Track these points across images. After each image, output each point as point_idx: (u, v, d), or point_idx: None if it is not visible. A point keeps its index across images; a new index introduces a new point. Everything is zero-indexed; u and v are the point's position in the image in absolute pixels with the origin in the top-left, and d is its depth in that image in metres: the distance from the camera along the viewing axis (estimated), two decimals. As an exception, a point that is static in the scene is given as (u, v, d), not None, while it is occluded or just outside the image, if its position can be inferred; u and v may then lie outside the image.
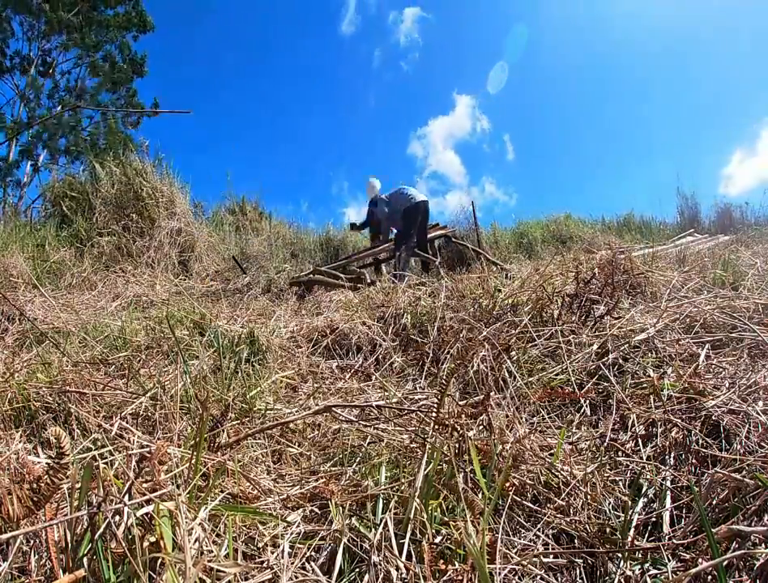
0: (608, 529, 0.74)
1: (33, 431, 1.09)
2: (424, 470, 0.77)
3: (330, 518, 0.75)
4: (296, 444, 1.09)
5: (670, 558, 0.66)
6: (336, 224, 7.57)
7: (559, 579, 0.67)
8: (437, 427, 0.93)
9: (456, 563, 0.67)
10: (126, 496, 0.62)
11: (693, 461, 0.86)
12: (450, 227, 5.97)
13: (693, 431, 0.90)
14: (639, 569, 0.66)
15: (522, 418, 1.05)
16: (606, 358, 1.27)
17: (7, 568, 0.61)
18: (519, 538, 0.74)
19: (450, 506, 0.77)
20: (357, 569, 0.67)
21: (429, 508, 0.74)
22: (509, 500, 0.79)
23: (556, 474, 0.84)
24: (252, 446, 1.04)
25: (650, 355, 1.26)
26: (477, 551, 0.60)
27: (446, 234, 5.60)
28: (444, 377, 1.04)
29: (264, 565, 0.66)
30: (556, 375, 1.26)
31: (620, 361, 1.26)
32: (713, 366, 1.15)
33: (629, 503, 0.77)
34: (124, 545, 0.57)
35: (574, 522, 0.75)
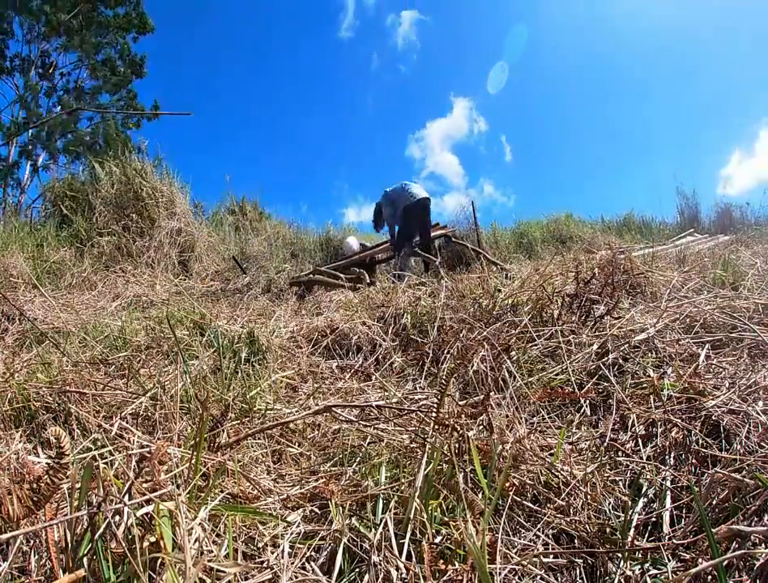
0: (608, 529, 0.74)
1: (33, 431, 1.09)
2: (424, 470, 0.77)
3: (330, 518, 0.75)
4: (296, 444, 1.09)
5: (670, 558, 0.66)
6: (336, 224, 7.58)
7: (559, 579, 0.67)
8: (437, 427, 0.93)
9: (456, 563, 0.67)
10: (126, 496, 0.62)
11: (693, 461, 0.86)
12: (450, 227, 5.98)
13: (693, 431, 0.90)
14: (639, 569, 0.66)
15: (522, 418, 1.05)
16: (606, 358, 1.27)
17: (7, 568, 0.61)
18: (519, 538, 0.74)
19: (450, 506, 0.77)
20: (357, 569, 0.67)
21: (429, 508, 0.74)
22: (510, 500, 0.79)
23: (556, 474, 0.84)
24: (252, 446, 1.04)
25: (650, 355, 1.26)
26: (477, 550, 0.60)
27: (446, 234, 5.60)
28: (444, 377, 1.04)
29: (264, 565, 0.66)
30: (556, 375, 1.26)
31: (620, 361, 1.26)
32: (713, 366, 1.15)
33: (629, 503, 0.77)
34: (124, 545, 0.57)
35: (574, 522, 0.75)
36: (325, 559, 0.69)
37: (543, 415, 1.10)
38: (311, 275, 3.85)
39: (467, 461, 0.85)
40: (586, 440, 0.98)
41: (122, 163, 5.10)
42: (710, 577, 0.63)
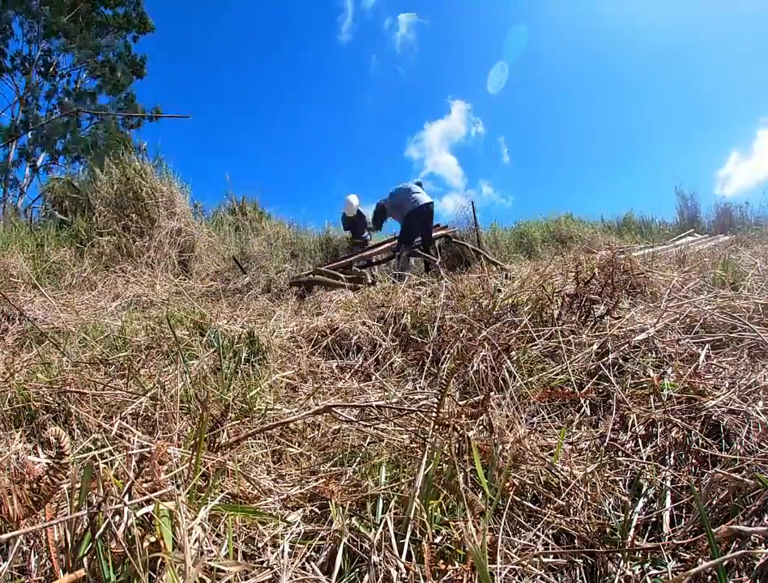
0: (608, 529, 0.74)
1: (33, 431, 1.08)
2: (424, 470, 0.77)
3: (330, 518, 0.75)
4: (296, 444, 1.09)
5: (670, 558, 0.66)
6: (336, 224, 7.58)
7: (559, 579, 0.67)
8: (437, 427, 0.93)
9: (456, 563, 0.67)
10: (126, 496, 0.62)
11: (693, 461, 0.86)
12: (451, 228, 5.98)
13: (693, 431, 0.90)
14: (639, 569, 0.66)
15: (522, 418, 1.05)
16: (606, 358, 1.27)
17: (7, 568, 0.61)
18: (519, 538, 0.74)
19: (450, 506, 0.77)
20: (357, 569, 0.67)
21: (429, 508, 0.74)
22: (510, 500, 0.79)
23: (556, 474, 0.84)
24: (252, 446, 1.04)
25: (650, 355, 1.26)
26: (477, 550, 0.60)
27: (447, 234, 5.60)
28: (444, 377, 1.04)
29: (264, 565, 0.66)
30: (556, 375, 1.26)
31: (620, 361, 1.26)
32: (713, 366, 1.15)
33: (629, 503, 0.77)
34: (124, 545, 0.57)
35: (574, 522, 0.75)
36: (325, 559, 0.69)
37: (543, 415, 1.10)
38: (311, 275, 3.85)
39: (467, 461, 0.85)
40: (586, 440, 0.98)
41: (122, 164, 5.10)
42: (710, 577, 0.63)
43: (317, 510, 0.80)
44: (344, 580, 0.65)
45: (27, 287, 3.19)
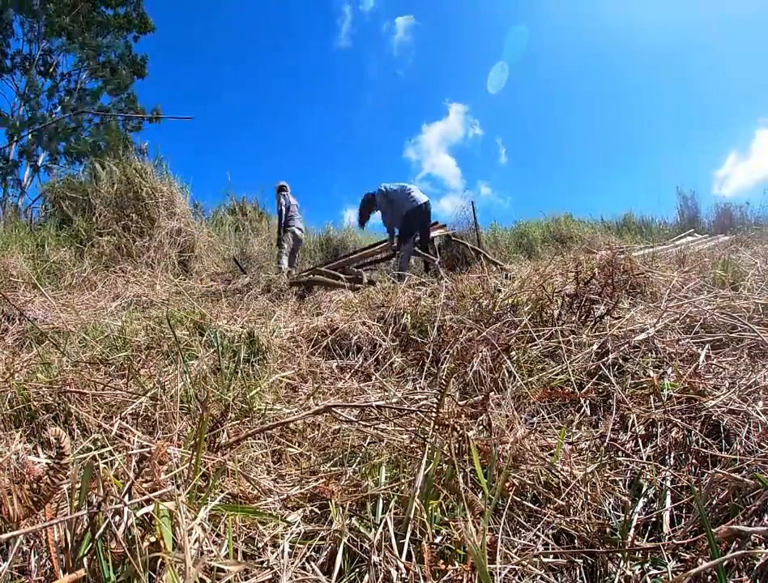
0: (608, 529, 0.74)
1: (33, 432, 1.09)
2: (424, 470, 0.77)
3: (330, 518, 0.75)
4: (296, 444, 1.09)
5: (670, 558, 0.66)
6: (336, 225, 7.59)
7: (559, 579, 0.67)
8: (437, 427, 0.93)
9: (456, 563, 0.67)
10: (126, 496, 0.62)
11: (693, 461, 0.86)
12: (450, 227, 5.98)
13: (693, 431, 0.90)
14: (639, 569, 0.66)
15: (522, 418, 1.05)
16: (606, 358, 1.27)
17: (7, 568, 0.61)
18: (519, 538, 0.74)
19: (450, 506, 0.77)
20: (357, 569, 0.67)
21: (429, 508, 0.74)
22: (510, 500, 0.79)
23: (556, 474, 0.84)
24: (252, 446, 1.04)
25: (650, 355, 1.26)
26: (477, 550, 0.60)
27: (446, 234, 5.60)
28: (444, 377, 1.04)
29: (264, 565, 0.66)
30: (556, 375, 1.26)
31: (620, 361, 1.26)
32: (713, 366, 1.15)
33: (629, 503, 0.77)
34: (124, 545, 0.57)
35: (574, 522, 0.75)
36: (325, 559, 0.69)
37: (543, 415, 1.10)
38: (311, 275, 3.85)
39: (467, 461, 0.85)
40: (586, 440, 0.98)
41: (122, 164, 5.11)
42: (710, 577, 0.63)
43: (317, 510, 0.80)
44: (344, 580, 0.65)
45: (27, 287, 3.19)
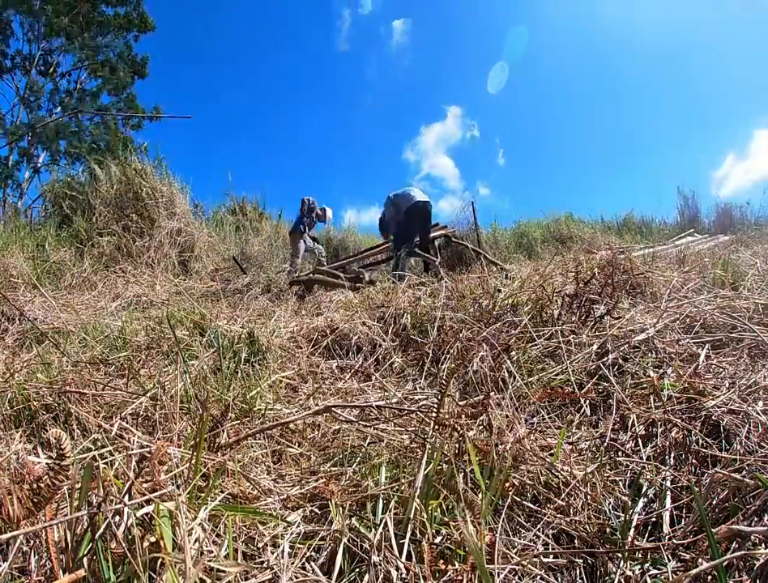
0: (608, 529, 0.74)
1: (33, 432, 1.08)
2: (424, 470, 0.77)
3: (330, 518, 0.75)
4: (296, 444, 1.09)
5: (670, 558, 0.66)
6: (336, 225, 7.59)
7: (559, 579, 0.67)
8: (437, 427, 0.93)
9: (456, 563, 0.67)
10: (126, 496, 0.62)
11: (693, 461, 0.86)
12: (450, 228, 5.98)
13: (693, 431, 0.90)
14: (639, 569, 0.66)
15: (521, 418, 1.05)
16: (606, 358, 1.27)
17: (7, 568, 0.61)
18: (519, 538, 0.74)
19: (450, 506, 0.77)
20: (357, 569, 0.67)
21: (429, 508, 0.74)
22: (509, 500, 0.79)
23: (556, 474, 0.84)
24: (252, 446, 1.04)
25: (650, 355, 1.26)
26: (477, 550, 0.60)
27: (446, 234, 5.60)
28: (444, 377, 1.04)
29: (264, 565, 0.66)
30: (556, 375, 1.26)
31: (620, 361, 1.26)
32: (713, 366, 1.15)
33: (629, 503, 0.77)
34: (124, 545, 0.57)
35: (574, 522, 0.75)
36: (325, 559, 0.69)
37: (543, 415, 1.10)
38: (311, 275, 3.85)
39: (467, 462, 0.85)
40: (586, 440, 0.98)
41: (122, 164, 5.11)
42: (710, 577, 0.63)
43: (317, 510, 0.80)
44: (344, 580, 0.65)
45: (27, 287, 3.19)
